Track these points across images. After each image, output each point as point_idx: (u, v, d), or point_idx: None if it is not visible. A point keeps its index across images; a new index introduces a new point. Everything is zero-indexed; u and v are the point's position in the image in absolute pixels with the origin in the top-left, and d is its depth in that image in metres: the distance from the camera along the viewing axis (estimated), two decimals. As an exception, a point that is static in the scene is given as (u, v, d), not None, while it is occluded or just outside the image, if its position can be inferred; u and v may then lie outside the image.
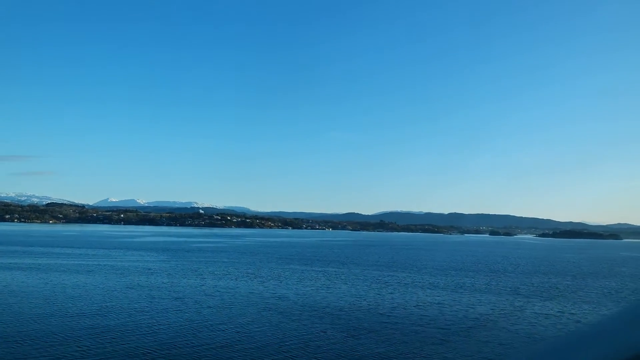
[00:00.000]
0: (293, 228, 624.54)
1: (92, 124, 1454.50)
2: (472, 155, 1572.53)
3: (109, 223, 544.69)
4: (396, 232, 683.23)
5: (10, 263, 77.67)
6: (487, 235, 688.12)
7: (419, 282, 69.83)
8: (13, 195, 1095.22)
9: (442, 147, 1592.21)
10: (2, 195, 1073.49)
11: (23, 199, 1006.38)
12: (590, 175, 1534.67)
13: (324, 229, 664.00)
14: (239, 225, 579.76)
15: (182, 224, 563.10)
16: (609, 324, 2.25)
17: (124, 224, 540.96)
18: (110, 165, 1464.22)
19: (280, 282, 63.44)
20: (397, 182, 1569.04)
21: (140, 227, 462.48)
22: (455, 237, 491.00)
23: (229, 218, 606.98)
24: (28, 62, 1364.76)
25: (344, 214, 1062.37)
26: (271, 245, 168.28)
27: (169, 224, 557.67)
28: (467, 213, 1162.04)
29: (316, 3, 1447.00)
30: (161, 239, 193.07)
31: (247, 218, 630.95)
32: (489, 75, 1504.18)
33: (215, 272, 72.91)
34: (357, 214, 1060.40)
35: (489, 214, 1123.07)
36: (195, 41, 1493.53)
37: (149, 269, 74.54)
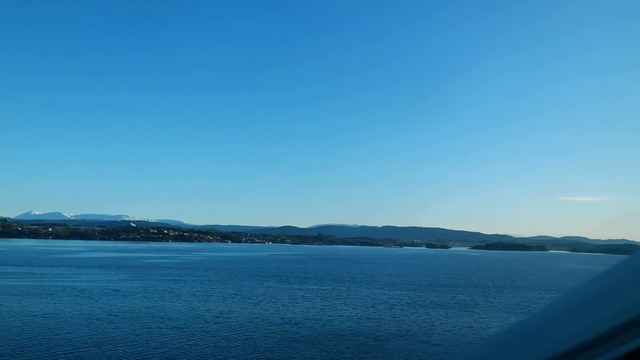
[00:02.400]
0: (232, 242, 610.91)
1: (9, 130, 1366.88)
2: (396, 169, 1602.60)
3: (36, 237, 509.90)
4: (335, 245, 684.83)
5: (-49, 286, 67.52)
6: (424, 247, 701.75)
7: (419, 300, 66.52)
8: None
9: (368, 159, 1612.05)
10: None
11: None
12: (509, 191, 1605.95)
13: (263, 242, 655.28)
14: (176, 239, 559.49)
15: (116, 238, 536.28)
16: (526, 327, 2.23)
17: (52, 239, 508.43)
18: (32, 175, 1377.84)
19: (276, 304, 58.12)
20: (330, 194, 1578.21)
21: (72, 241, 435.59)
22: (395, 250, 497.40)
23: (165, 232, 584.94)
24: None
25: (280, 227, 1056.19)
26: (227, 260, 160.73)
27: (102, 238, 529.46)
28: (400, 226, 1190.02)
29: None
30: (104, 254, 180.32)
31: (184, 232, 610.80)
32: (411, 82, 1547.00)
33: (195, 293, 66.35)
34: (294, 227, 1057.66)
35: (421, 227, 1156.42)
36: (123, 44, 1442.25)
37: (117, 290, 66.90)
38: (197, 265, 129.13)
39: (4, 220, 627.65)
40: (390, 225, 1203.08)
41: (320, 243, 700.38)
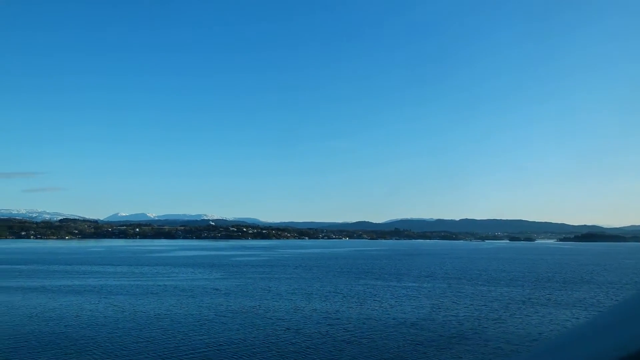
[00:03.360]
0: (309, 238, 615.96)
1: (98, 137, 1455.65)
2: (479, 159, 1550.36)
3: (125, 237, 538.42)
4: (413, 240, 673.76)
5: (62, 286, 70.06)
6: (507, 241, 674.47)
7: (534, 298, 61.42)
8: (24, 212, 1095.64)
9: (448, 152, 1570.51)
10: (14, 212, 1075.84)
11: (34, 215, 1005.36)
12: (602, 178, 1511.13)
13: (340, 238, 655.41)
14: (255, 236, 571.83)
15: (199, 237, 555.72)
16: (606, 320, 2.15)
17: (139, 238, 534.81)
18: (119, 179, 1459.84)
19: (381, 303, 55.35)
20: (404, 188, 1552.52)
21: (158, 240, 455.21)
22: (478, 244, 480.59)
23: (244, 229, 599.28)
24: (26, 73, 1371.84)
25: (355, 223, 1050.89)
26: (311, 257, 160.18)
27: (185, 237, 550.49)
28: (479, 219, 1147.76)
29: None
30: (193, 252, 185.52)
31: (262, 229, 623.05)
32: (495, 75, 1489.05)
33: (295, 292, 64.86)
34: (368, 222, 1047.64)
35: (501, 219, 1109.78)
36: (202, 46, 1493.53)
37: (217, 289, 66.62)
38: (284, 262, 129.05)
39: (95, 222, 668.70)
40: (469, 218, 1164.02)
41: (397, 238, 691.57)
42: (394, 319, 45.35)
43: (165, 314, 46.53)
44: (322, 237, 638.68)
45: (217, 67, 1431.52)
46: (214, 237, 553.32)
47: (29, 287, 68.24)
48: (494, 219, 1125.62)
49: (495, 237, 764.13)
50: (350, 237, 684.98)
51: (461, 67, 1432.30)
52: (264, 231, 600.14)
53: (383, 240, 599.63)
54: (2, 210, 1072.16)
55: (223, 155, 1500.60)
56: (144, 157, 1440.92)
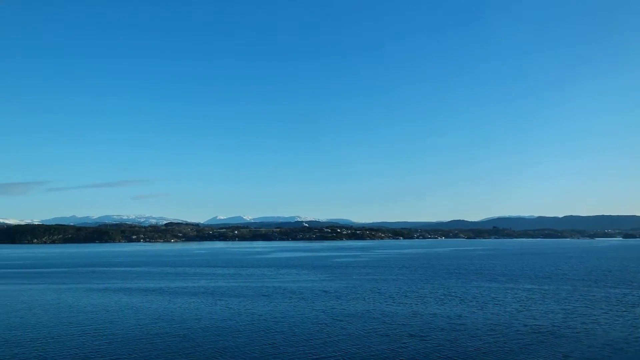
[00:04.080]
0: (404, 238, 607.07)
1: (198, 145, 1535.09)
2: (575, 154, 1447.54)
3: (224, 240, 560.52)
4: (514, 238, 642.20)
5: (178, 287, 72.22)
6: (620, 238, 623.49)
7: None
8: (133, 217, 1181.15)
9: (539, 144, 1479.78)
10: (124, 217, 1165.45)
11: (142, 220, 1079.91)
12: None
13: (436, 238, 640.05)
14: (349, 237, 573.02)
15: (294, 238, 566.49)
16: None
17: (238, 240, 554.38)
18: (218, 184, 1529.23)
19: (504, 307, 51.21)
20: (499, 185, 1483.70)
21: (256, 242, 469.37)
22: (589, 242, 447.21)
23: (338, 230, 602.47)
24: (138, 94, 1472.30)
25: (449, 222, 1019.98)
26: (411, 257, 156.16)
27: (281, 239, 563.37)
28: (584, 215, 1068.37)
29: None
30: (292, 254, 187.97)
31: (356, 230, 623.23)
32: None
33: (406, 294, 62.12)
34: (464, 220, 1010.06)
35: (611, 215, 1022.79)
36: (283, 54, 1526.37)
37: (326, 291, 65.47)
38: (385, 263, 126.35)
39: (197, 225, 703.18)
40: (573, 214, 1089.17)
41: (497, 237, 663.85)
42: (525, 325, 41.38)
43: (281, 318, 45.73)
44: (417, 237, 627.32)
45: (299, 74, 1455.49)
46: (309, 239, 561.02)
47: (148, 288, 71.02)
48: (601, 215, 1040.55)
49: (605, 235, 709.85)
50: (446, 237, 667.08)
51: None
52: (357, 232, 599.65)
53: (482, 240, 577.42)
54: (114, 216, 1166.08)
55: (314, 159, 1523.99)
56: (239, 163, 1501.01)
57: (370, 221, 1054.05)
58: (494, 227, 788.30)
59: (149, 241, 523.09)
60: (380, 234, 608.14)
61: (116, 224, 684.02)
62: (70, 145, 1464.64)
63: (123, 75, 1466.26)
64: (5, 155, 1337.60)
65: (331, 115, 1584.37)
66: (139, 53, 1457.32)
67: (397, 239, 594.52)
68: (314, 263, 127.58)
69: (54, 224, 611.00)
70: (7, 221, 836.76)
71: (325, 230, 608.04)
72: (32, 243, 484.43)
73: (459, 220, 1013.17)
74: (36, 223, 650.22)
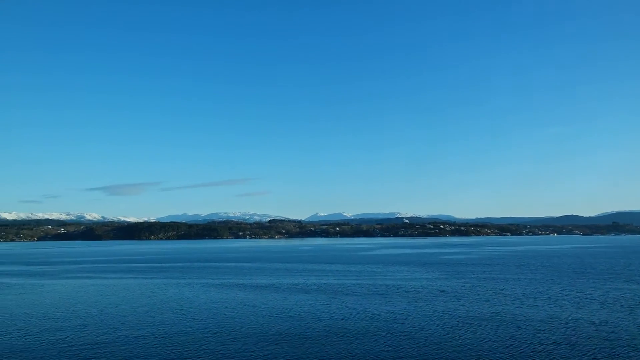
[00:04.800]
0: (512, 234, 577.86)
1: (297, 145, 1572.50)
2: None
3: (326, 236, 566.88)
4: (638, 235, 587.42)
5: (290, 284, 71.99)
6: None
7: None
8: (239, 214, 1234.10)
9: None
10: (230, 214, 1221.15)
11: (247, 217, 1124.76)
12: None
13: (547, 234, 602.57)
14: (453, 233, 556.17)
15: (396, 234, 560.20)
16: None
17: (340, 237, 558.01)
18: (318, 182, 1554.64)
19: (661, 313, 44.67)
20: (621, 178, 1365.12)
21: (357, 239, 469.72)
22: None
23: (441, 226, 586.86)
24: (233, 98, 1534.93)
25: (560, 217, 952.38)
26: (525, 255, 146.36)
27: (382, 235, 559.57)
28: None
29: None
30: (398, 251, 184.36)
31: (460, 226, 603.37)
32: None
33: (535, 296, 56.85)
34: (577, 216, 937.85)
35: None
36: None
37: (443, 291, 61.88)
38: (499, 261, 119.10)
39: (299, 222, 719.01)
40: None
41: (617, 233, 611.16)
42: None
43: (403, 319, 43.12)
44: (526, 233, 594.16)
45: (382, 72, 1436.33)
46: (411, 235, 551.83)
47: (261, 284, 71.49)
48: None
49: None
50: (558, 233, 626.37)
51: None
52: (461, 228, 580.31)
53: (600, 236, 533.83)
54: (221, 213, 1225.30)
55: (413, 154, 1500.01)
56: (339, 161, 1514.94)
57: (474, 217, 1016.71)
58: (614, 222, 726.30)
59: (254, 237, 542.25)
60: (486, 230, 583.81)
61: (223, 221, 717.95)
62: (180, 147, 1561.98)
63: (217, 79, 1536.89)
64: (123, 160, 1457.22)
65: (432, 111, 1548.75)
66: (228, 56, 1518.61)
67: (505, 235, 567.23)
68: (423, 260, 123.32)
69: (168, 221, 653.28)
70: (127, 219, 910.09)
71: (428, 226, 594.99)
72: (150, 239, 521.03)
73: (572, 216, 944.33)
74: (152, 221, 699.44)
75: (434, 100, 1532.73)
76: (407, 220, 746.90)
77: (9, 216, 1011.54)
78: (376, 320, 42.49)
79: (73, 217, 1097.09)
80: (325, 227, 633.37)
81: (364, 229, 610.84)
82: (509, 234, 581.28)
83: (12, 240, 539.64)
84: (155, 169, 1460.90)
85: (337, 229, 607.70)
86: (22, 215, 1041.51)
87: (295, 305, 51.50)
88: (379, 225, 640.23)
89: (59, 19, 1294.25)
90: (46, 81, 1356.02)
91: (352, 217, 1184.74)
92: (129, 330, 39.88)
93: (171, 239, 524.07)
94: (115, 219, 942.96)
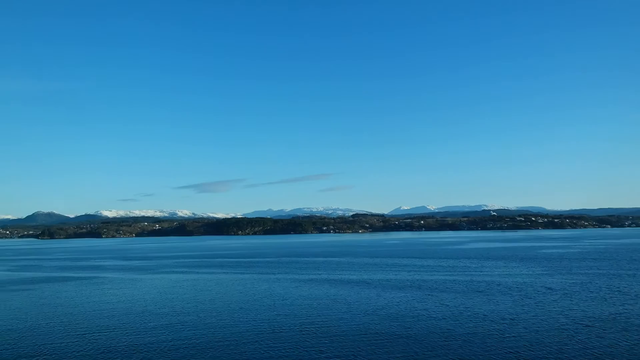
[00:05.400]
0: (612, 226, 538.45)
1: (378, 139, 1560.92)
2: None
3: (410, 230, 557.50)
4: None
5: (381, 280, 69.63)
6: None
7: None
8: (322, 209, 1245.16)
9: None
10: (313, 209, 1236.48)
11: (330, 211, 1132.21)
12: None
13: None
14: (546, 226, 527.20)
15: (483, 228, 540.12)
16: None
17: (424, 230, 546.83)
18: (400, 175, 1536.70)
19: None
20: None
21: (443, 232, 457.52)
22: None
23: (533, 219, 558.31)
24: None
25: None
26: (636, 249, 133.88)
27: (469, 228, 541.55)
28: None
29: None
30: (489, 244, 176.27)
31: (554, 218, 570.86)
32: None
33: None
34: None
35: None
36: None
37: (550, 288, 57.01)
38: (606, 255, 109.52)
39: (382, 216, 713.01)
40: None
41: None
42: None
43: (511, 319, 39.51)
44: (629, 225, 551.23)
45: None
46: (500, 228, 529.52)
47: (352, 280, 69.67)
48: None
49: None
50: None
51: None
52: (555, 220, 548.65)
53: None
54: (304, 209, 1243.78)
55: (500, 144, 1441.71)
56: (423, 153, 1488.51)
57: (568, 208, 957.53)
58: None
59: (338, 232, 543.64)
60: (582, 222, 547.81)
61: (307, 216, 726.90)
62: (264, 145, 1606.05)
63: (301, 79, 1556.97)
64: (211, 159, 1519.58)
65: (518, 98, 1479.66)
66: (312, 55, 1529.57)
67: (604, 227, 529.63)
68: (519, 254, 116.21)
69: (254, 217, 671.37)
70: (215, 215, 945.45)
71: (518, 218, 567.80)
72: (237, 234, 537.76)
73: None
74: (239, 216, 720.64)
75: (519, 89, 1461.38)
76: (494, 213, 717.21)
77: (110, 214, 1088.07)
78: (482, 320, 39.23)
79: (166, 214, 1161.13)
80: (409, 220, 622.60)
81: (450, 222, 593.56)
82: (608, 226, 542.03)
83: (113, 237, 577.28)
84: (241, 166, 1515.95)
85: (422, 222, 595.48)
86: (121, 212, 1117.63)
87: (390, 302, 49.15)
88: (465, 218, 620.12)
89: (165, 16, 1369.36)
90: (138, 79, 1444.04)
91: (436, 210, 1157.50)
92: (225, 327, 39.38)
93: (257, 234, 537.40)
94: (205, 215, 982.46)
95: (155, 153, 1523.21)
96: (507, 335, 34.26)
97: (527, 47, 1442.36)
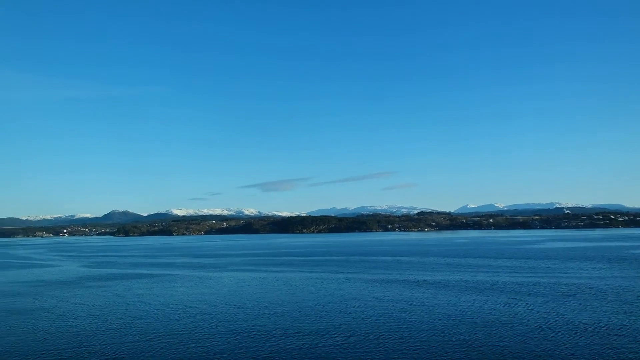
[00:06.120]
0: None
1: (441, 136, 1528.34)
2: None
3: (479, 228, 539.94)
4: None
5: (458, 281, 65.59)
6: None
7: None
8: (386, 207, 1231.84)
9: None
10: (377, 207, 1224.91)
11: (394, 209, 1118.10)
12: None
13: None
14: (627, 224, 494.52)
15: (557, 226, 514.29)
16: None
17: (494, 229, 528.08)
18: (466, 173, 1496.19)
19: None
20: None
21: (514, 231, 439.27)
22: None
23: (612, 217, 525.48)
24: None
25: None
26: None
27: (542, 227, 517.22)
28: None
29: None
30: (568, 244, 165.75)
31: (636, 216, 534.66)
32: None
33: None
34: None
35: None
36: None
37: (653, 293, 50.81)
38: None
39: (448, 214, 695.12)
40: None
41: None
42: None
43: (617, 330, 34.97)
44: None
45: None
46: (575, 227, 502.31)
47: (425, 281, 66.12)
48: None
49: None
50: None
51: None
52: (638, 218, 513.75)
53: None
54: (368, 207, 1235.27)
55: (571, 138, 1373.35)
56: (490, 149, 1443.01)
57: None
58: None
59: (403, 230, 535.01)
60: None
61: (372, 214, 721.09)
62: (327, 145, 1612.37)
63: (357, 79, 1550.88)
64: (276, 158, 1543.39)
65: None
66: (371, 55, 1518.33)
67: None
68: (605, 255, 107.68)
69: (318, 215, 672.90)
70: (280, 213, 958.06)
71: (595, 216, 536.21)
72: (302, 232, 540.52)
73: None
74: (303, 215, 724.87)
75: (593, 83, 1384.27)
76: (568, 211, 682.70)
77: (180, 212, 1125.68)
78: (583, 331, 34.99)
79: (233, 212, 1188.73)
80: (477, 218, 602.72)
81: (521, 220, 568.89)
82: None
83: (183, 234, 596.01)
84: (305, 165, 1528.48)
85: (491, 220, 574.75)
86: (190, 211, 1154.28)
87: (473, 306, 45.44)
88: (537, 217, 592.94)
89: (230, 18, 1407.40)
90: (208, 83, 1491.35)
91: (505, 208, 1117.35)
92: (298, 331, 37.29)
93: (322, 232, 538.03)
94: (270, 214, 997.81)
95: (222, 154, 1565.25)
96: (619, 348, 30.04)
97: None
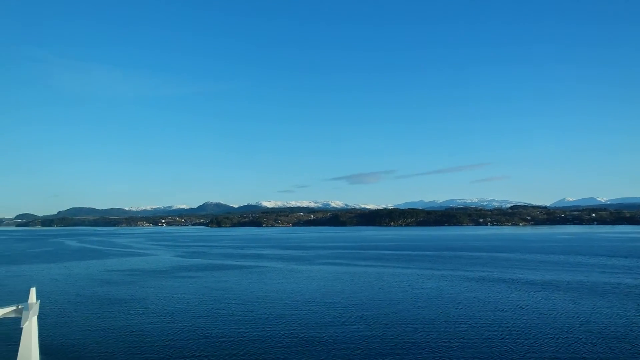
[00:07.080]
0: None
1: (533, 127, 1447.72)
2: None
3: (579, 223, 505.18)
4: None
5: (578, 282, 58.80)
6: None
7: None
8: (476, 200, 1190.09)
9: None
10: (467, 201, 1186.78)
11: (485, 203, 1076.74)
12: None
13: None
14: None
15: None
16: None
17: (596, 224, 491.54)
18: (564, 165, 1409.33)
19: None
20: None
21: (618, 227, 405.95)
22: None
23: None
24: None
25: None
26: None
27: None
28: None
29: None
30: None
31: None
32: None
33: None
34: None
35: None
36: None
37: None
38: None
39: (545, 208, 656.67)
40: None
41: None
42: None
43: None
44: None
45: None
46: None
47: (532, 280, 59.93)
48: None
49: None
50: None
51: None
52: None
53: None
54: (457, 200, 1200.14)
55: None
56: (588, 142, 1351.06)
57: None
58: None
59: (496, 224, 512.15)
60: None
61: (462, 208, 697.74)
62: (413, 137, 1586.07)
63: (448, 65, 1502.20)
64: (362, 151, 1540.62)
65: None
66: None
67: None
68: None
69: (405, 208, 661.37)
70: (366, 206, 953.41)
71: None
72: (390, 225, 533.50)
73: None
74: (390, 207, 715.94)
75: None
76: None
77: (269, 204, 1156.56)
78: None
79: (320, 205, 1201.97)
80: (577, 213, 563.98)
81: (627, 215, 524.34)
82: None
83: (272, 225, 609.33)
84: (391, 158, 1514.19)
85: (593, 215, 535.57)
86: (278, 203, 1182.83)
87: (597, 314, 39.37)
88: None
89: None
90: (298, 81, 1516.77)
91: (608, 202, 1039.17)
92: (398, 335, 33.65)
93: (410, 226, 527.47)
94: (357, 206, 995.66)
95: (310, 148, 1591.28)
96: None
97: None
